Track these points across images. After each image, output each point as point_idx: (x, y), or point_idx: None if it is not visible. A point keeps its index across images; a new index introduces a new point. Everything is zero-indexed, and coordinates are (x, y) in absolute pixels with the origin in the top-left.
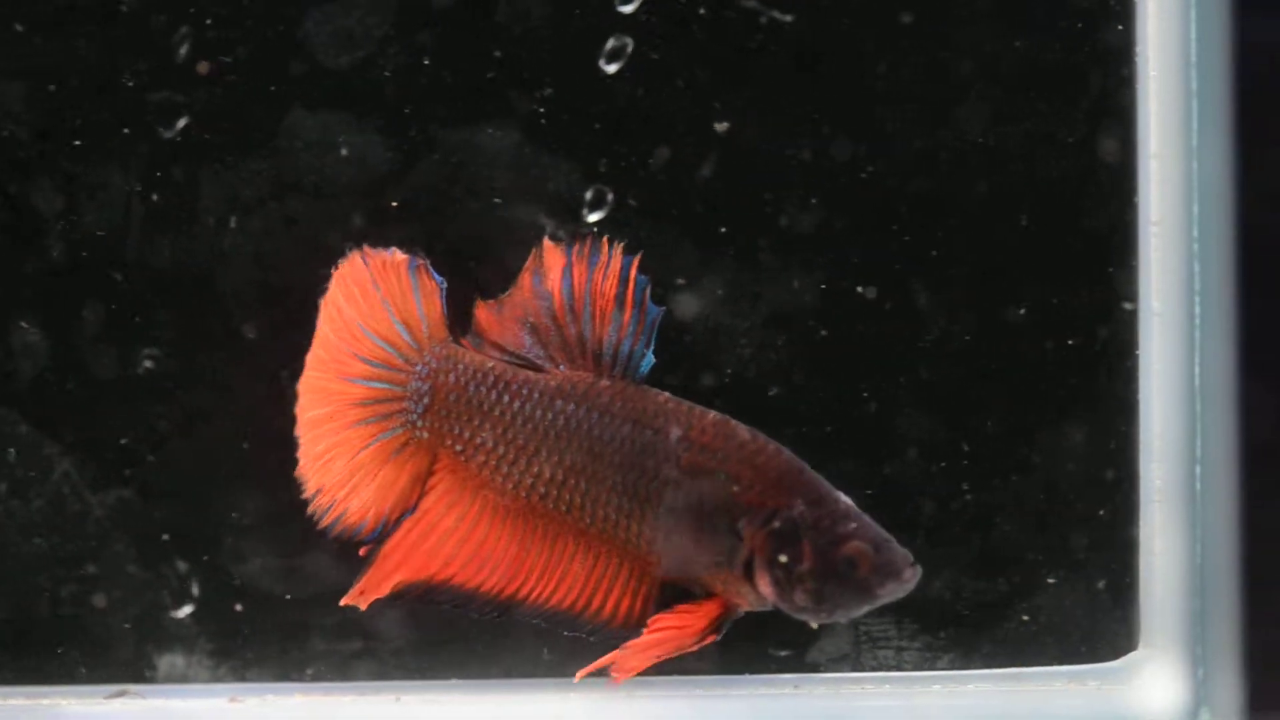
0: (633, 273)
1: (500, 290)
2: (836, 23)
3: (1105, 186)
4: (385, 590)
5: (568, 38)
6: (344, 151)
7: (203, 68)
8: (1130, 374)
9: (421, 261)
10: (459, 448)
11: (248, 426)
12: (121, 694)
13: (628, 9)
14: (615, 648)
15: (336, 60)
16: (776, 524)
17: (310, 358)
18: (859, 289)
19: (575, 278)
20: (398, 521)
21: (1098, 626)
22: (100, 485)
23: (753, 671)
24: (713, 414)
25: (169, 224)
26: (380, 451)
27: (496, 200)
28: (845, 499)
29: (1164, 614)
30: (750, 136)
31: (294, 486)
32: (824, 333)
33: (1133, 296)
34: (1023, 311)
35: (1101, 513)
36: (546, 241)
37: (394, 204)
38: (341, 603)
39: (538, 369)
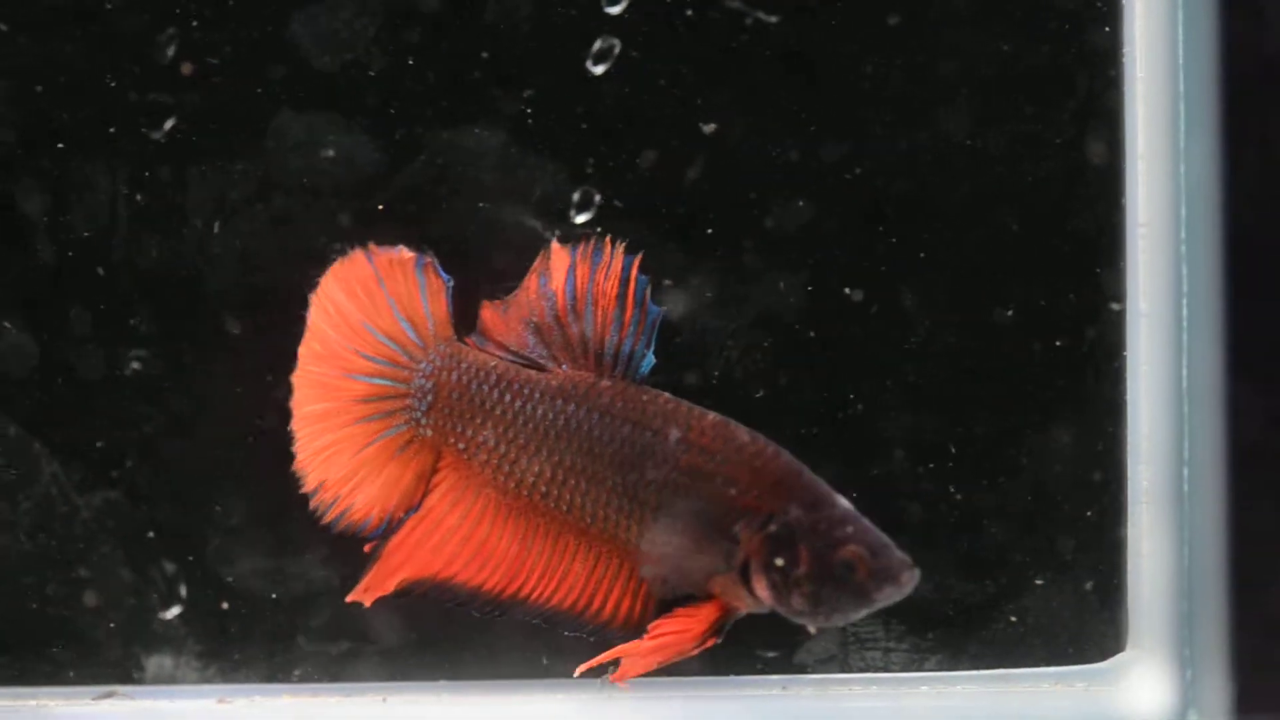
0: (633, 273)
1: (489, 291)
2: (824, 24)
3: (1092, 188)
4: (390, 588)
5: (555, 39)
6: (331, 152)
7: (186, 68)
8: (1118, 375)
9: (429, 259)
10: (462, 446)
11: (236, 427)
12: (109, 695)
13: (615, 10)
14: (614, 647)
15: (324, 61)
16: (773, 527)
17: (304, 351)
18: (846, 290)
19: (578, 278)
20: (402, 519)
21: (1085, 628)
22: (88, 486)
23: (740, 672)
24: (712, 415)
25: (156, 225)
26: (384, 448)
27: (483, 202)
28: (844, 502)
29: (1152, 615)
30: (737, 138)
31: (283, 487)
32: (811, 334)
33: (1120, 297)
34: (1010, 313)
35: (1089, 514)
36: (554, 243)
37: (380, 207)
38: (346, 600)
39: (541, 369)
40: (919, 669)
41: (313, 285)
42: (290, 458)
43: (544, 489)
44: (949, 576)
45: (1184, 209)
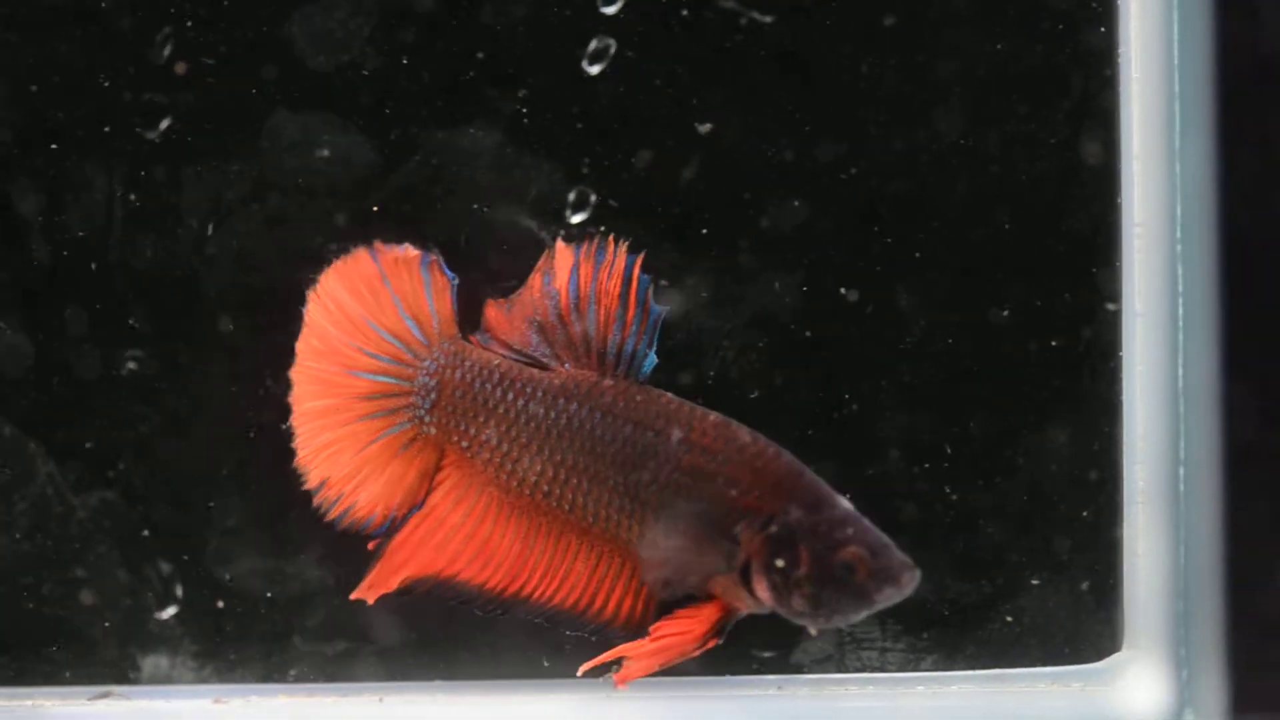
0: (635, 272)
1: (485, 290)
2: (819, 25)
3: (1088, 188)
4: (393, 585)
5: (550, 39)
6: (327, 152)
7: (180, 68)
8: (1113, 375)
9: (434, 257)
10: (465, 444)
11: (232, 428)
12: (105, 695)
13: (611, 10)
14: (615, 647)
15: (319, 61)
16: (774, 528)
17: (302, 347)
18: (841, 290)
19: (581, 277)
20: (405, 517)
21: (1081, 628)
22: (84, 487)
23: (736, 672)
24: (714, 416)
25: (152, 225)
26: (388, 446)
27: (479, 202)
28: (845, 503)
29: (1147, 615)
30: (732, 138)
31: (279, 488)
32: (806, 334)
33: (1116, 297)
34: (1006, 313)
35: (1085, 514)
36: (559, 242)
37: (375, 208)
38: (350, 597)
39: (544, 367)
40: (915, 669)
41: (312, 283)
42: (287, 458)
43: (546, 488)
44: (945, 576)
45: (1179, 209)
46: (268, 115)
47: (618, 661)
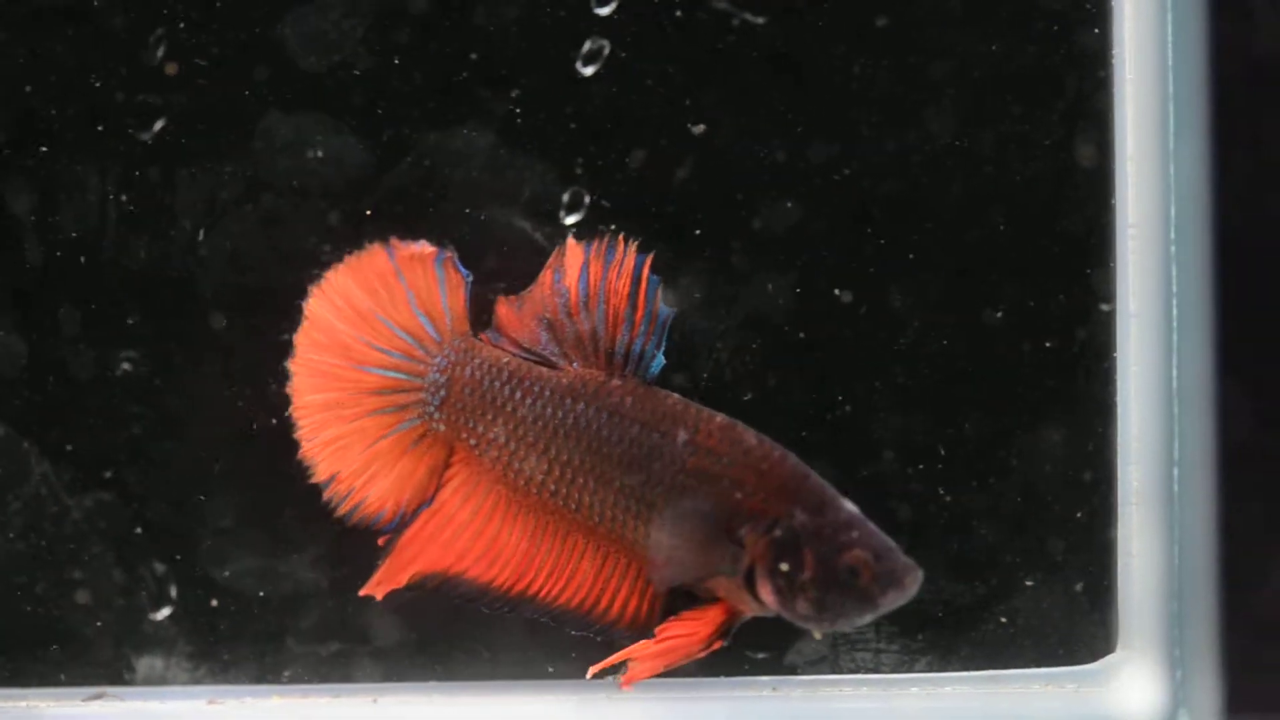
0: (644, 272)
1: (480, 290)
2: (812, 25)
3: (1082, 189)
4: (402, 581)
5: (544, 40)
6: (320, 153)
7: (171, 68)
8: (1108, 376)
9: (449, 254)
10: (473, 442)
11: (227, 428)
12: (100, 696)
13: (604, 11)
14: (622, 648)
15: (313, 62)
16: (778, 532)
17: (303, 340)
18: (835, 291)
19: (591, 275)
20: (415, 513)
21: (1075, 629)
22: (78, 487)
23: (730, 674)
24: (720, 417)
25: (145, 225)
26: (398, 442)
27: (473, 203)
28: (850, 506)
29: (1142, 616)
30: (726, 139)
31: (274, 488)
32: (800, 335)
33: (1110, 298)
34: (1000, 314)
35: (1079, 515)
36: (569, 239)
37: (368, 211)
38: (360, 593)
39: (552, 366)
40: (909, 670)
41: (317, 278)
42: (282, 458)
43: (553, 487)
44: (939, 578)
45: (1174, 210)
46: (261, 116)
47: (624, 663)
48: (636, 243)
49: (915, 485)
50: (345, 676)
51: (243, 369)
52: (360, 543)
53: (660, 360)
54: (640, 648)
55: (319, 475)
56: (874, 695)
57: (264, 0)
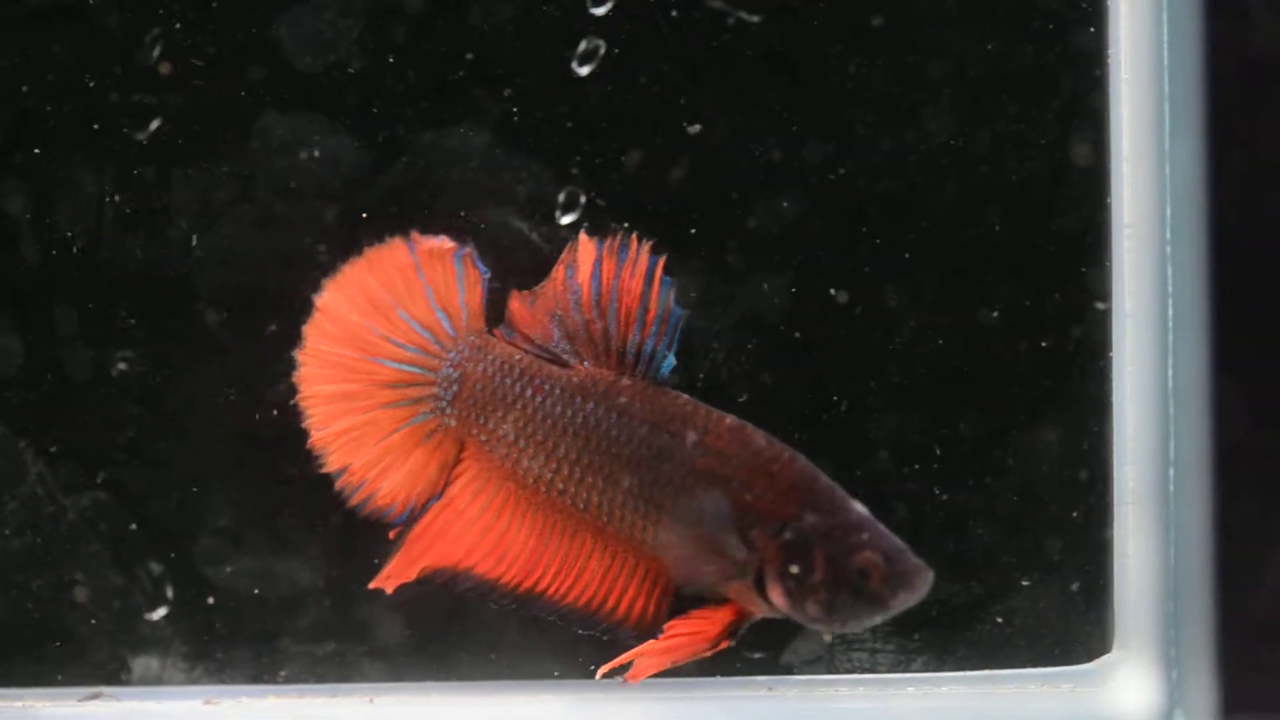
0: (658, 273)
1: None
2: (807, 25)
3: (1077, 188)
4: (412, 575)
5: (540, 40)
6: (317, 153)
7: (164, 68)
8: (1103, 375)
9: (468, 250)
10: (484, 438)
11: (223, 428)
12: (96, 696)
13: (600, 11)
14: (627, 648)
15: (309, 62)
16: (788, 535)
17: (314, 331)
18: (831, 290)
19: (604, 274)
20: (424, 507)
21: (1071, 629)
22: (74, 487)
23: (727, 673)
24: (730, 419)
25: (142, 226)
26: (411, 435)
27: (469, 202)
28: (860, 508)
29: (1138, 616)
30: (721, 138)
31: (269, 488)
32: (796, 334)
33: (1105, 297)
34: (995, 313)
35: (1075, 515)
36: (582, 235)
37: (364, 215)
38: (369, 586)
39: (563, 364)
40: (905, 670)
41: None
42: (278, 458)
43: (561, 485)
44: (935, 578)
45: (1169, 210)
46: (257, 116)
47: (630, 662)
48: (650, 243)
49: (911, 485)
50: (342, 676)
51: (239, 369)
52: (357, 543)
53: (671, 361)
54: (648, 645)
55: (331, 465)
56: (870, 695)
57: (259, 0)
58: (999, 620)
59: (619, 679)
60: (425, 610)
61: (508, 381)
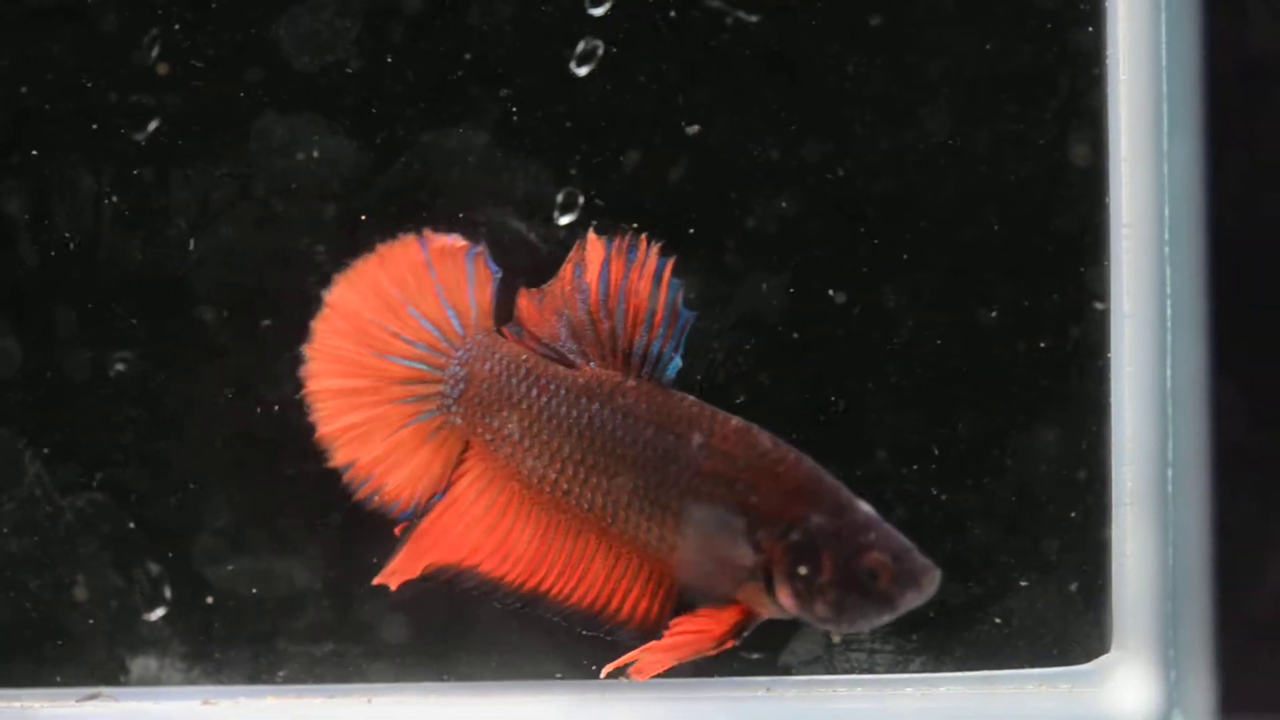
0: (666, 275)
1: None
2: (805, 24)
3: (1076, 188)
4: (416, 572)
5: (538, 40)
6: (315, 153)
7: (162, 68)
8: (1102, 375)
9: (480, 249)
10: (488, 437)
11: (221, 429)
12: (94, 696)
13: (598, 12)
14: (629, 649)
15: (307, 63)
16: (795, 536)
17: (323, 327)
18: (829, 290)
19: (612, 274)
20: (428, 504)
21: (1070, 629)
22: (71, 488)
23: (725, 674)
24: (736, 420)
25: (140, 226)
26: (417, 432)
27: (468, 203)
28: (866, 507)
29: (1136, 616)
30: (720, 138)
31: (267, 488)
32: (794, 334)
33: (1104, 297)
34: (994, 313)
35: (1073, 515)
36: (590, 233)
37: (363, 217)
38: (374, 582)
39: (569, 364)
40: (904, 671)
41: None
42: (276, 458)
43: (565, 486)
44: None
45: (1167, 210)
46: (255, 116)
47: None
48: (659, 245)
49: (909, 485)
50: (340, 677)
51: (237, 369)
52: (355, 543)
53: (677, 363)
54: (653, 643)
55: (338, 460)
56: (868, 695)
57: (258, 1)
58: (997, 620)
59: (618, 679)
60: (424, 610)
61: (513, 381)
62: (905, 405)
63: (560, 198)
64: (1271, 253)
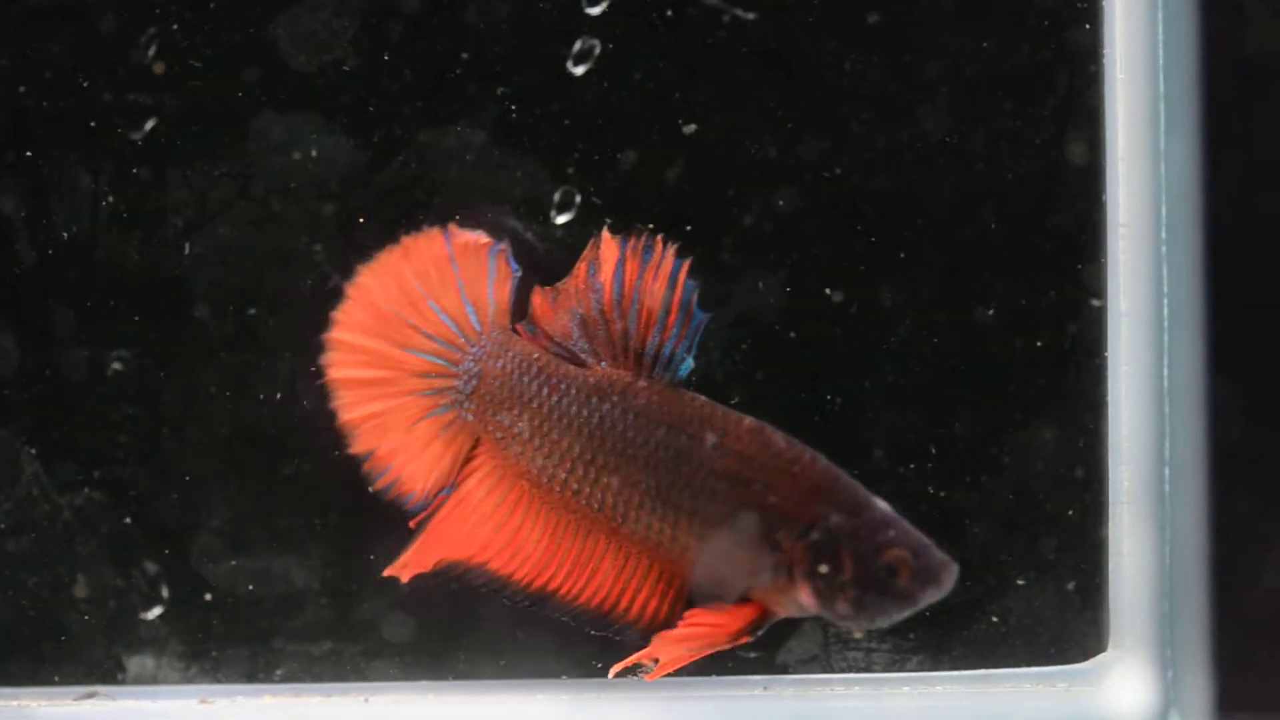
0: (682, 276)
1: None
2: (803, 22)
3: (1073, 187)
4: (428, 566)
5: (535, 39)
6: (313, 152)
7: (159, 68)
8: (1099, 373)
9: (503, 247)
10: (499, 434)
11: (219, 428)
12: (91, 695)
13: (596, 10)
14: (637, 650)
15: (304, 62)
16: (815, 535)
17: (345, 317)
18: (826, 289)
19: (626, 274)
20: (437, 498)
21: (1067, 628)
22: (69, 486)
23: (722, 672)
24: (748, 420)
25: (138, 226)
26: (433, 425)
27: (465, 202)
28: (883, 504)
29: (1133, 615)
30: (717, 136)
31: (265, 487)
32: (791, 333)
33: (1101, 295)
34: (991, 311)
35: (1070, 513)
36: (604, 233)
37: (361, 219)
38: (385, 573)
39: (581, 363)
40: (901, 669)
41: (369, 256)
42: (274, 458)
43: (576, 486)
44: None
45: (1164, 209)
46: (253, 116)
47: (641, 664)
48: (675, 245)
49: (906, 484)
50: (338, 676)
51: (234, 368)
52: (353, 542)
53: (690, 363)
54: (666, 634)
55: (357, 448)
56: (865, 694)
57: (256, 0)
58: (994, 619)
59: (614, 678)
60: (422, 610)
61: (524, 379)
62: (902, 404)
63: (557, 196)
64: (1268, 251)
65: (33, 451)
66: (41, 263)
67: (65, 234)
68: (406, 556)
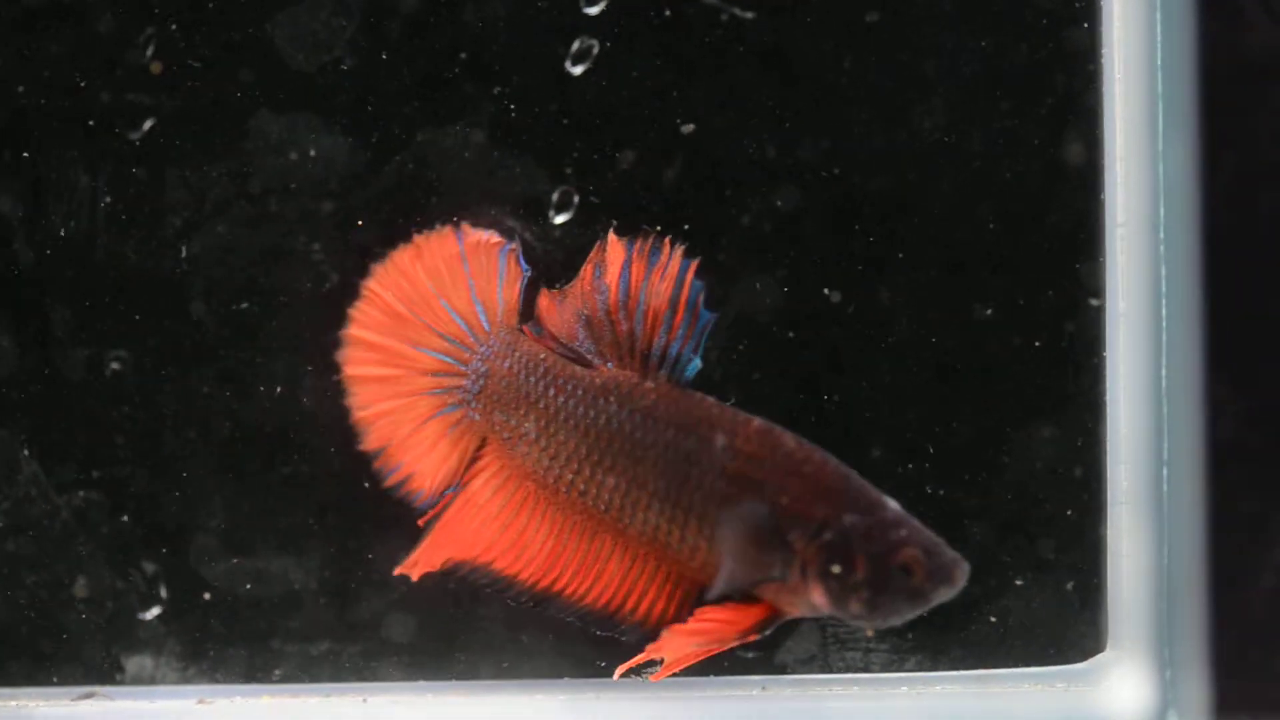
0: (689, 277)
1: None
2: (801, 21)
3: (1071, 186)
4: (437, 564)
5: (533, 39)
6: (311, 152)
7: (156, 68)
8: (1097, 372)
9: (513, 247)
10: (505, 435)
11: (217, 428)
12: (90, 696)
13: (593, 10)
14: (640, 650)
15: (302, 61)
16: (828, 536)
17: (361, 315)
18: (824, 288)
19: (633, 276)
20: (442, 496)
21: (1065, 628)
22: (68, 487)
23: (720, 673)
24: (757, 421)
25: (136, 225)
26: (441, 424)
27: (463, 201)
28: (893, 504)
29: (1131, 616)
30: (715, 136)
31: (263, 488)
32: (790, 332)
33: (1099, 294)
34: (989, 310)
35: (1069, 514)
36: (611, 235)
37: (359, 222)
38: (395, 572)
39: (587, 364)
40: (899, 669)
41: (380, 257)
42: (273, 458)
43: (582, 487)
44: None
45: (1162, 208)
46: (251, 115)
47: (648, 663)
48: (682, 247)
49: (905, 483)
50: (336, 676)
51: (232, 368)
52: (351, 543)
53: (696, 364)
54: (676, 628)
55: (369, 444)
56: (864, 694)
57: (254, 0)
58: (993, 620)
59: (614, 678)
60: (420, 610)
61: (531, 380)
62: (901, 403)
63: (555, 196)
64: (1266, 250)
65: (31, 451)
66: (40, 263)
67: (63, 234)
68: (416, 555)
